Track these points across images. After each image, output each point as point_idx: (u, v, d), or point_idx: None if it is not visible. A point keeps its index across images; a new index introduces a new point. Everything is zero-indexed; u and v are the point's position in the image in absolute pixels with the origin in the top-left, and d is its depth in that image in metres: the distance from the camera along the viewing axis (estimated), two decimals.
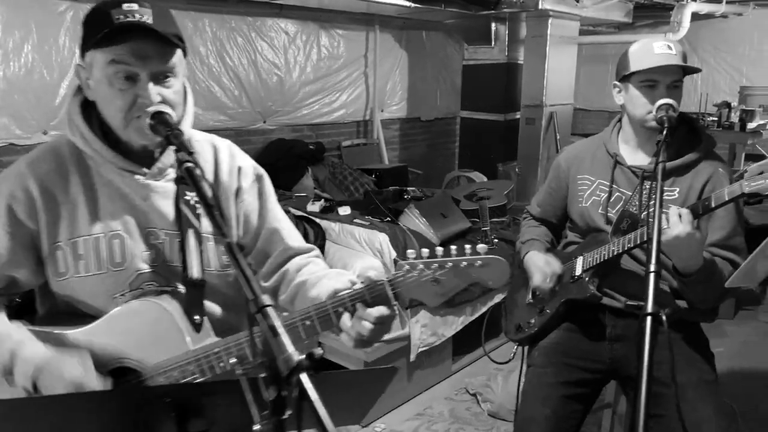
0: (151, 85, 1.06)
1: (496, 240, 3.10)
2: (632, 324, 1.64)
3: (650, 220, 1.60)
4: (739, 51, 6.01)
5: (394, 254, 2.72)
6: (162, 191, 1.16)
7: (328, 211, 3.23)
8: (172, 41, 1.06)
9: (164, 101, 1.07)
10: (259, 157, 4.51)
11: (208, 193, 0.91)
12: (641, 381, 1.00)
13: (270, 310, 0.75)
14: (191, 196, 1.16)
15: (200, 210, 1.16)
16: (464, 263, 1.03)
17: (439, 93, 6.00)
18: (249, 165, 1.31)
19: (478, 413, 2.80)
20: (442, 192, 3.81)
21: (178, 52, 1.10)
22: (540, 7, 4.54)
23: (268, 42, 4.55)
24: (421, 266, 1.03)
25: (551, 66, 4.95)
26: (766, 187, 1.26)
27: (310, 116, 4.91)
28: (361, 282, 1.08)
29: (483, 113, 5.67)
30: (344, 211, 3.21)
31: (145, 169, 1.14)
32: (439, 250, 1.04)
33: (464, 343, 3.15)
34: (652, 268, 1.10)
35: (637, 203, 1.67)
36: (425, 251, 1.04)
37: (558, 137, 5.10)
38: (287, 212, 3.03)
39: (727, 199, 1.36)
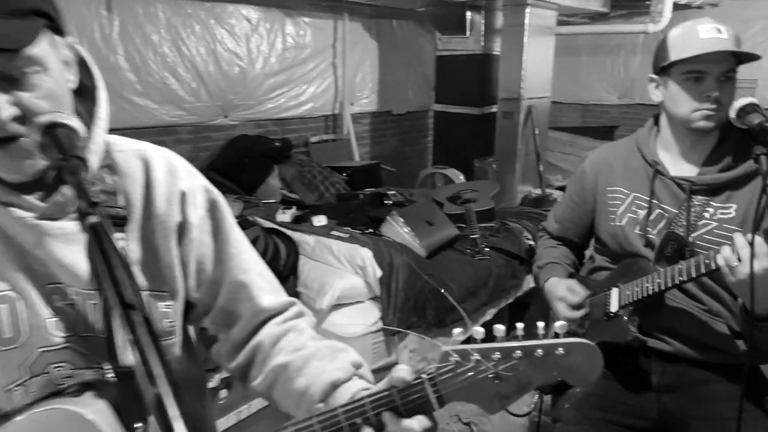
0: None
1: (486, 249, 2.83)
2: (686, 371, 1.40)
3: (701, 244, 1.33)
4: None
5: (379, 273, 2.40)
6: (62, 234, 0.79)
7: (301, 221, 2.89)
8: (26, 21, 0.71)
9: (26, 112, 0.70)
10: (221, 156, 4.18)
11: (124, 259, 0.61)
12: None
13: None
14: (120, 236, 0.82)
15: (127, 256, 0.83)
16: (539, 351, 0.72)
17: (411, 85, 5.71)
18: (198, 187, 0.92)
19: None
20: (424, 196, 3.50)
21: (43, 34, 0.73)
22: None
23: (228, 30, 4.18)
24: (477, 356, 0.73)
25: (529, 57, 4.72)
26: None
27: (276, 110, 4.57)
28: (391, 385, 0.77)
29: (458, 106, 5.43)
30: (319, 221, 2.88)
31: (36, 202, 0.77)
32: (499, 330, 0.74)
33: None
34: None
35: (684, 223, 1.40)
36: (479, 330, 0.74)
37: (537, 132, 4.92)
38: (253, 225, 2.66)
39: None
